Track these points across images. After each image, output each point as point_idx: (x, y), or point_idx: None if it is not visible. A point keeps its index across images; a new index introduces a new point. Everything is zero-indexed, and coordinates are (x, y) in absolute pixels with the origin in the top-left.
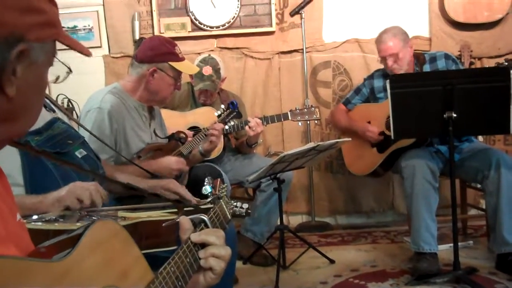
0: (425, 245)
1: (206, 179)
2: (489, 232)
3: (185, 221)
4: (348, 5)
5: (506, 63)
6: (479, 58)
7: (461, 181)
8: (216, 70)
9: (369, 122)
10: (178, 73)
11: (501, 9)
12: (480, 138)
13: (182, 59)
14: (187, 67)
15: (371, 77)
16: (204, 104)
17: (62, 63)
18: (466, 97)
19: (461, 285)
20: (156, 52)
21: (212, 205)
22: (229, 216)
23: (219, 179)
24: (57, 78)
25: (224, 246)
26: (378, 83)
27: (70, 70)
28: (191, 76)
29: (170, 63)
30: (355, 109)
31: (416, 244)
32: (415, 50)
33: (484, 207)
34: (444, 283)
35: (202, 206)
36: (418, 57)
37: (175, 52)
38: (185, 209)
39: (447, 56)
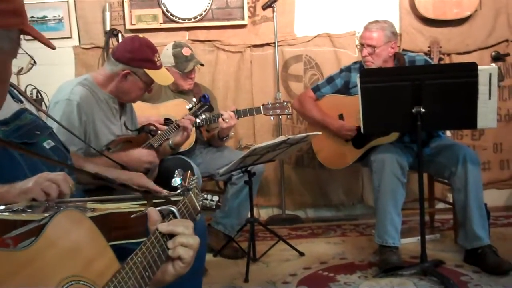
0: (389, 239)
1: (176, 171)
2: (456, 226)
3: (153, 212)
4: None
5: (494, 53)
6: (448, 54)
7: (429, 175)
8: (191, 49)
9: (341, 115)
10: (152, 79)
11: (470, 6)
12: (448, 133)
13: (159, 67)
14: (162, 77)
15: (348, 69)
16: (181, 92)
17: (27, 53)
18: (434, 92)
19: (428, 277)
20: (134, 56)
21: (181, 197)
22: (199, 208)
23: (189, 171)
24: (21, 69)
25: (192, 235)
26: (355, 77)
27: (34, 62)
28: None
29: (146, 70)
30: (325, 99)
31: (381, 238)
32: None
33: (451, 201)
34: (411, 275)
35: (172, 198)
36: (399, 58)
37: (153, 60)
38: (154, 201)
39: (426, 62)
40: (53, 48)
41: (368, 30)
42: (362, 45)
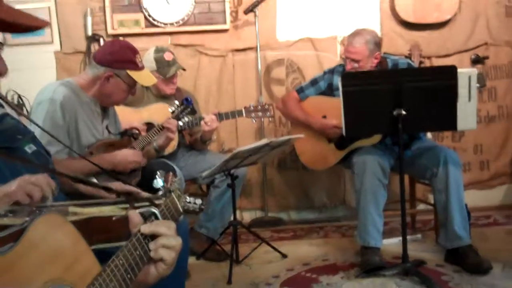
0: (371, 240)
1: (158, 172)
2: (437, 227)
3: (134, 215)
4: (301, 4)
5: (473, 56)
6: (429, 57)
7: (410, 177)
8: (173, 54)
9: (324, 116)
10: (134, 80)
11: (450, 10)
12: (429, 135)
13: (141, 69)
14: (145, 78)
15: (331, 72)
16: (163, 96)
17: None
18: (415, 95)
19: (409, 277)
20: (115, 58)
21: (163, 198)
22: (181, 209)
23: (171, 173)
24: None
25: (175, 236)
26: (337, 79)
27: (2, 44)
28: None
29: (128, 71)
30: (308, 100)
31: (363, 239)
32: None
33: (432, 202)
34: (393, 275)
35: (154, 200)
36: (382, 63)
37: (134, 61)
38: (136, 204)
39: (409, 65)
40: (45, 24)
41: (351, 45)
42: (346, 57)
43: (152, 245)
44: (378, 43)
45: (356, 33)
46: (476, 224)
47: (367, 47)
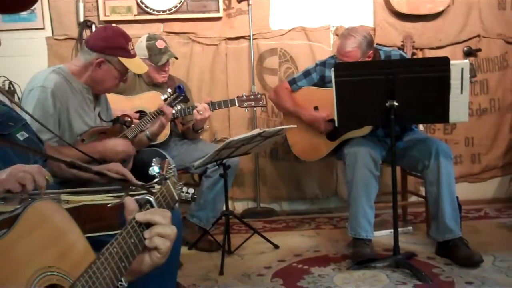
0: (362, 231)
1: (154, 159)
2: (428, 219)
3: (130, 202)
4: None
5: (466, 48)
6: (421, 49)
7: (402, 169)
8: (165, 42)
9: (316, 107)
10: (126, 68)
11: (443, 1)
12: (421, 126)
13: (133, 56)
14: (137, 66)
15: (323, 64)
16: (155, 85)
17: None
18: (407, 86)
19: (400, 269)
20: (108, 44)
21: (159, 186)
22: (176, 197)
23: (167, 160)
24: None
25: (170, 225)
26: (329, 72)
27: None
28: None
29: (120, 58)
30: (300, 91)
31: (354, 230)
32: None
33: (423, 194)
34: (384, 267)
35: (151, 188)
36: (374, 54)
37: (127, 48)
38: (131, 192)
39: (401, 57)
40: None
41: (344, 49)
42: (339, 59)
43: (147, 234)
44: (370, 43)
45: (349, 35)
46: (467, 217)
47: (360, 49)
